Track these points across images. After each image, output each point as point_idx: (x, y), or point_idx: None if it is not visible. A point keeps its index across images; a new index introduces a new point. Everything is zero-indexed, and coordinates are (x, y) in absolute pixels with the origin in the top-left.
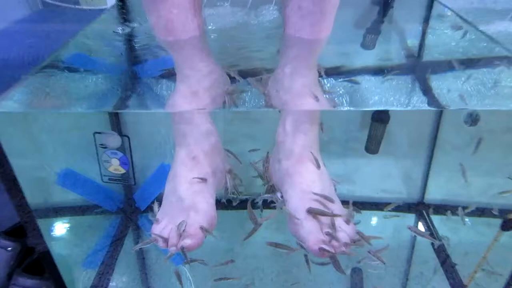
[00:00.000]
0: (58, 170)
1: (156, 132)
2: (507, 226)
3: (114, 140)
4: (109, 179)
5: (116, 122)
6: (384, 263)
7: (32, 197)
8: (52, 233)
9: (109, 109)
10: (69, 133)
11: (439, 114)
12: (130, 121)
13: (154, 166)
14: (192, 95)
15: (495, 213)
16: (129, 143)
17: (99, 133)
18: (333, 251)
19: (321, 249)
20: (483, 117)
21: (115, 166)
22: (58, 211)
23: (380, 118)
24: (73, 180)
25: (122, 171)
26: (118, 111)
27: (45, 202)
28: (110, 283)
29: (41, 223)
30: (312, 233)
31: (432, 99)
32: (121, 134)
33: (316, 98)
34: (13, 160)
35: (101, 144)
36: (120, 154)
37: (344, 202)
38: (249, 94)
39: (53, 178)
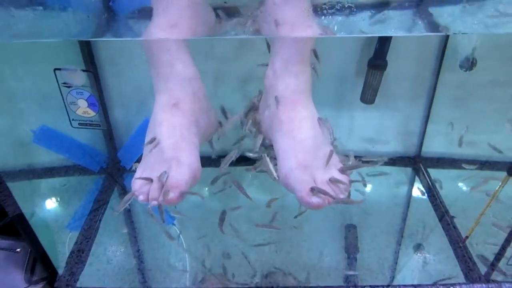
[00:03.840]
0: (34, 128)
1: (139, 87)
2: None
3: (77, 77)
4: (79, 123)
5: (95, 76)
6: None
7: (14, 159)
8: (38, 196)
9: (85, 38)
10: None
11: (440, 61)
12: (111, 75)
13: (138, 123)
14: (170, 27)
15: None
16: (96, 79)
17: (59, 69)
18: (325, 202)
19: (313, 199)
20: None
21: (83, 108)
22: (45, 173)
23: (377, 64)
24: (49, 137)
25: (92, 113)
26: (93, 39)
27: (29, 164)
28: (98, 247)
29: (25, 185)
30: (303, 182)
31: (434, 27)
32: (84, 69)
33: (310, 26)
34: None
35: (64, 83)
36: (87, 94)
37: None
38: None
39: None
